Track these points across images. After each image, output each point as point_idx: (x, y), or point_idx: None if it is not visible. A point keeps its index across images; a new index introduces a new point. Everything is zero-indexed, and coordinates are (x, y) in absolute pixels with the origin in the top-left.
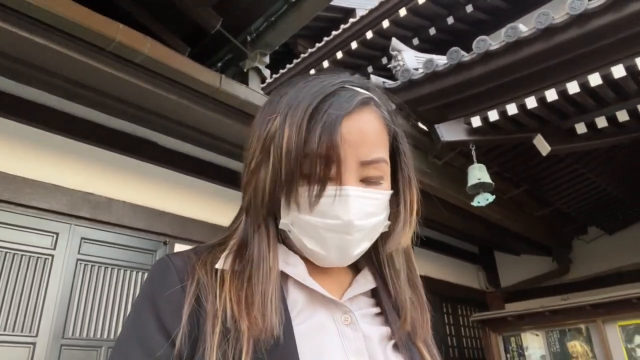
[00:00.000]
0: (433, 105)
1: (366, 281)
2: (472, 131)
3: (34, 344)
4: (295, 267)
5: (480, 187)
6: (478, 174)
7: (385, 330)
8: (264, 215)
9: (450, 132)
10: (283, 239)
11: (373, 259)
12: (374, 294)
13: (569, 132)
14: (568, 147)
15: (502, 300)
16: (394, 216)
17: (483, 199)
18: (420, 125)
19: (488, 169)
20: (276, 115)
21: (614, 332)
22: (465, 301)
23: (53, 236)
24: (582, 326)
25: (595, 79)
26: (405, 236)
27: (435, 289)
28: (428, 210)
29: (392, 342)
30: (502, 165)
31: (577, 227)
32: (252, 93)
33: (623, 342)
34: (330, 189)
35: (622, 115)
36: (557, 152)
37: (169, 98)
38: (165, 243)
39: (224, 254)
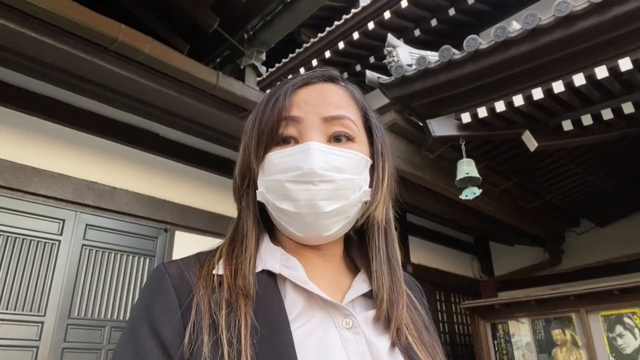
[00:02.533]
0: (425, 101)
1: (365, 281)
2: (462, 127)
3: (42, 322)
4: (294, 270)
5: (469, 181)
6: (466, 168)
7: (387, 335)
8: (246, 196)
9: (441, 127)
10: (277, 238)
11: (366, 251)
12: (371, 293)
13: (556, 129)
14: (555, 143)
15: (495, 289)
16: (373, 191)
17: (470, 193)
18: (414, 119)
19: (479, 163)
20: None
21: (596, 322)
22: (459, 289)
23: (60, 222)
24: (567, 315)
25: (579, 79)
26: (378, 207)
27: (429, 277)
28: (422, 201)
29: (396, 349)
30: (493, 160)
31: (569, 220)
32: (248, 89)
33: (605, 331)
34: (293, 147)
35: (607, 114)
36: (544, 148)
37: (169, 94)
38: (166, 230)
39: (222, 258)
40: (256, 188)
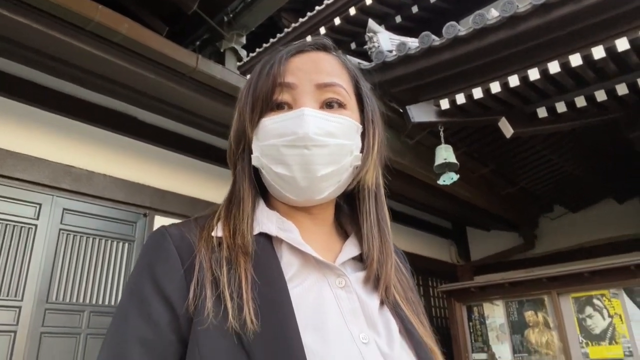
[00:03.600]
0: (405, 87)
1: (355, 245)
2: (441, 113)
3: (19, 307)
4: (290, 233)
5: (446, 167)
6: (444, 154)
7: (377, 294)
8: (242, 160)
9: (420, 113)
10: (272, 203)
11: (356, 217)
12: (362, 257)
13: (531, 116)
14: (530, 130)
15: (472, 272)
16: (363, 156)
17: (448, 178)
18: (394, 105)
19: (457, 149)
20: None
21: (567, 303)
22: (437, 274)
23: (36, 207)
24: (539, 297)
25: (554, 67)
26: (369, 172)
27: (408, 262)
28: (401, 186)
29: (385, 306)
30: (470, 146)
31: (542, 205)
32: (229, 73)
33: (575, 313)
34: (287, 112)
35: (580, 101)
36: (520, 134)
37: (146, 76)
38: (145, 215)
39: (220, 221)
40: (251, 152)
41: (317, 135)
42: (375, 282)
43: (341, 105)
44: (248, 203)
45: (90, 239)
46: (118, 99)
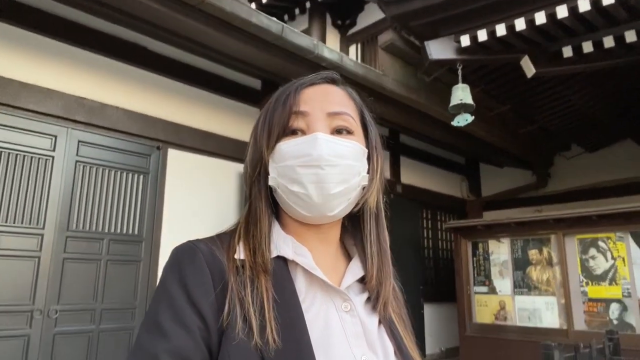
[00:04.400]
0: (424, 21)
1: (357, 267)
2: (461, 50)
3: (41, 235)
4: (304, 257)
5: (462, 107)
6: (461, 94)
7: (375, 316)
8: (258, 183)
9: (438, 50)
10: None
11: (359, 239)
12: (363, 279)
13: (554, 55)
14: (553, 70)
15: (481, 208)
16: (369, 178)
17: (463, 120)
18: (412, 40)
19: (475, 87)
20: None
21: (572, 244)
22: (446, 209)
23: (51, 138)
24: (545, 237)
25: (584, 4)
26: (372, 194)
27: (417, 197)
28: (415, 123)
29: (382, 326)
30: (489, 84)
31: (559, 144)
32: (238, 5)
33: (579, 253)
34: (303, 136)
35: (609, 41)
36: (541, 74)
37: (155, 7)
38: (158, 148)
39: (240, 243)
40: (267, 175)
41: (329, 156)
42: (374, 301)
43: (349, 132)
44: (265, 223)
45: (106, 171)
46: (129, 29)
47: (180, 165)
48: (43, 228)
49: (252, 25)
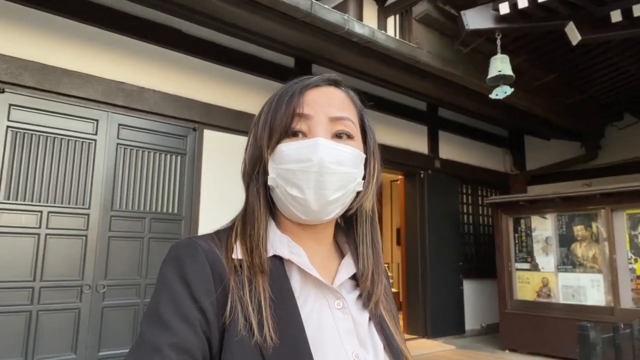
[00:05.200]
0: None
1: (350, 265)
2: (500, 19)
3: (87, 214)
4: (299, 257)
5: (501, 79)
6: (499, 65)
7: (366, 312)
8: (256, 182)
9: (476, 19)
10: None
11: (352, 237)
12: (354, 276)
13: (602, 21)
14: (600, 36)
15: (526, 182)
16: (364, 184)
17: (502, 92)
18: (448, 9)
19: (517, 56)
20: (262, 107)
21: (620, 219)
22: (487, 183)
23: (94, 122)
24: (592, 212)
25: None
26: (368, 198)
27: (457, 172)
28: (452, 97)
29: (372, 322)
30: (532, 53)
31: (611, 114)
32: None
33: (627, 229)
34: (304, 140)
35: None
36: (588, 41)
37: None
38: (194, 129)
39: (238, 242)
40: (265, 174)
41: (329, 163)
42: (366, 299)
43: (349, 137)
44: (262, 224)
45: (146, 152)
46: (164, 12)
47: (215, 144)
48: (89, 208)
49: (280, 3)
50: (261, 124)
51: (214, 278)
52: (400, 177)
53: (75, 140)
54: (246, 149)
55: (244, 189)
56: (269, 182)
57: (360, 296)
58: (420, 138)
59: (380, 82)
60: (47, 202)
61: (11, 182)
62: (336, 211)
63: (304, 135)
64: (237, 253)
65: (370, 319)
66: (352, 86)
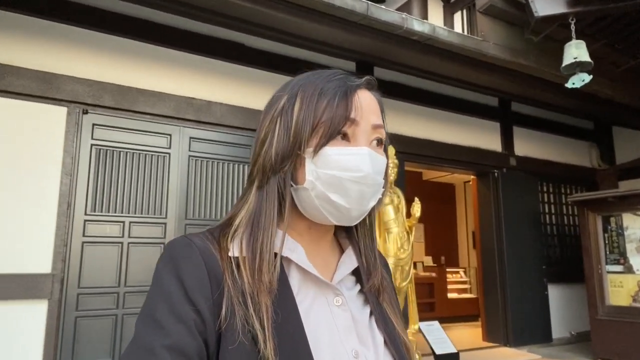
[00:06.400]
0: None
1: (350, 261)
2: (573, 2)
3: (164, 223)
4: (297, 253)
5: (577, 66)
6: (575, 52)
7: (367, 307)
8: (280, 179)
9: (545, 5)
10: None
11: (353, 232)
12: (354, 271)
13: None
14: None
15: (616, 177)
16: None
17: (579, 80)
18: None
19: (595, 41)
20: (285, 94)
21: None
22: (571, 180)
23: (167, 137)
24: None
25: None
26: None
27: (535, 169)
28: (526, 89)
29: (373, 317)
30: (613, 36)
31: None
32: None
33: None
34: (353, 147)
35: None
36: None
37: (246, 6)
38: None
39: (235, 241)
40: (292, 172)
41: (375, 174)
42: (368, 292)
43: (382, 144)
44: (274, 226)
45: (216, 163)
46: (225, 28)
47: None
48: (165, 217)
49: (336, 8)
50: (299, 116)
51: (210, 277)
52: (472, 177)
53: (152, 155)
54: (262, 139)
55: (248, 184)
56: (306, 185)
57: (361, 291)
58: (493, 135)
59: (446, 80)
60: (129, 212)
61: (96, 195)
62: (364, 216)
63: (348, 139)
64: (234, 251)
65: (371, 313)
66: (417, 86)
